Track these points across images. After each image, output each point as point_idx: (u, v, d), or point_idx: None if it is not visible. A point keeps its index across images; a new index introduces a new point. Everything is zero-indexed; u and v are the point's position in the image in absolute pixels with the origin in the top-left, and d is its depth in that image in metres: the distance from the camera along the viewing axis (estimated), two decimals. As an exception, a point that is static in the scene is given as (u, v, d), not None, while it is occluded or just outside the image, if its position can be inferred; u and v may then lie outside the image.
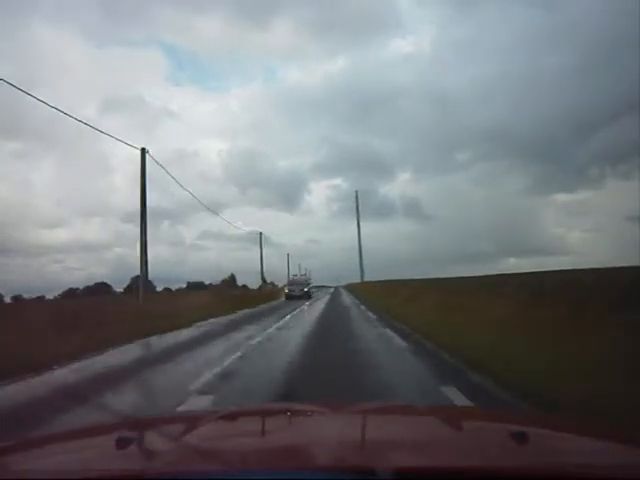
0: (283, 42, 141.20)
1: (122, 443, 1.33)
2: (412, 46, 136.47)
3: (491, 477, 1.05)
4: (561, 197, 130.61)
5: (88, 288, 75.48)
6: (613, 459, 1.28)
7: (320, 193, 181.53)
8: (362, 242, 61.03)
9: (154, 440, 1.53)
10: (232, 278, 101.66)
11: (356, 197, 66.78)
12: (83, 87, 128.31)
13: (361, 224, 64.42)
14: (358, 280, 67.75)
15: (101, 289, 72.93)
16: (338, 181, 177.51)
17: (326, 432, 1.62)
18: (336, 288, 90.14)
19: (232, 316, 21.67)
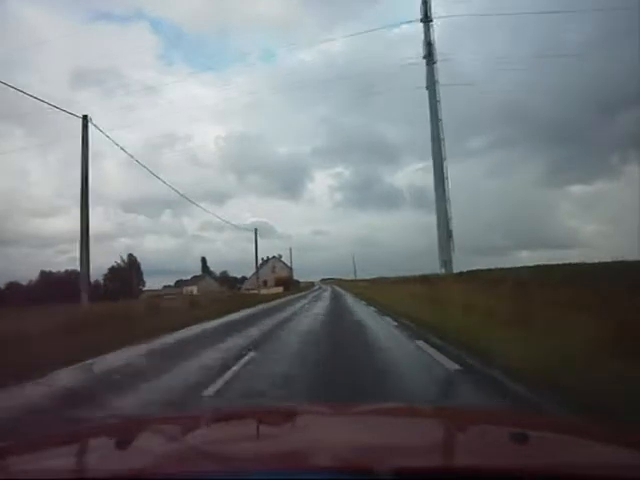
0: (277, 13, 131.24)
1: (122, 443, 1.33)
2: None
3: (491, 477, 1.06)
4: (576, 188, 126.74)
5: None
6: (613, 459, 1.28)
7: (322, 181, 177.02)
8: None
9: (154, 440, 1.54)
10: (132, 261, 66.15)
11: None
12: (61, 64, 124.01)
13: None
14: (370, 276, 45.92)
15: None
16: (340, 169, 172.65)
17: (326, 432, 1.62)
18: (334, 294, 47.71)
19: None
